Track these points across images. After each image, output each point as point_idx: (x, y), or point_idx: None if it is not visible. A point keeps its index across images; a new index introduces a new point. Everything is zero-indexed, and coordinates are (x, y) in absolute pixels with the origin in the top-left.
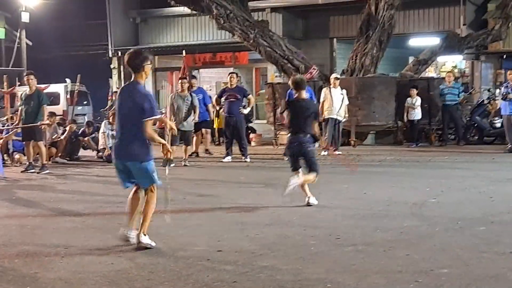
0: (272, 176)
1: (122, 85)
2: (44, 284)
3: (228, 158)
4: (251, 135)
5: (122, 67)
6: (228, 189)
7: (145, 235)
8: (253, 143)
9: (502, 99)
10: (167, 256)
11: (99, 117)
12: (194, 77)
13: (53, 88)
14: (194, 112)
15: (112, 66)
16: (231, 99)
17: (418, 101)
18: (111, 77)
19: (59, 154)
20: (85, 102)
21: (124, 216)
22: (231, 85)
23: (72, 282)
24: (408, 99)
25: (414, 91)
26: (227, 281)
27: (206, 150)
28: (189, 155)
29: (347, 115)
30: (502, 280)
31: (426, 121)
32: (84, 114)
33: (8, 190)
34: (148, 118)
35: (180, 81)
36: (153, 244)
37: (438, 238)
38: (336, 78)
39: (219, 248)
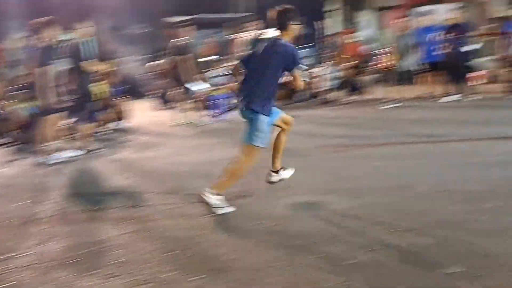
0: (498, 114)
1: (341, 26)
2: (273, 220)
3: (449, 98)
4: (474, 73)
5: (340, 7)
6: (447, 129)
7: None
8: (475, 82)
9: None
10: (390, 196)
11: (320, 59)
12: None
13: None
14: (415, 51)
15: (331, 7)
16: (452, 36)
17: None
18: (325, 18)
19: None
20: (310, 44)
21: (346, 158)
22: (454, 20)
23: (296, 219)
24: None
25: None
26: (452, 221)
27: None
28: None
29: None
30: None
31: None
32: (310, 56)
33: (233, 133)
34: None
35: (401, 19)
36: (228, 210)
37: None
38: None
39: (443, 188)
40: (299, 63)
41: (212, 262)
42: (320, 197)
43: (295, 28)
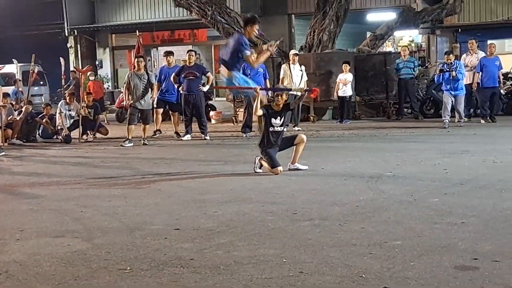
0: (232, 153)
1: (79, 64)
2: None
3: (188, 136)
4: (211, 113)
5: (79, 46)
6: (187, 167)
7: None
8: (213, 121)
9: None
10: (124, 236)
11: (56, 97)
12: (171, 53)
13: (8, 68)
14: (152, 90)
15: (68, 45)
16: (190, 77)
17: (349, 77)
18: (62, 56)
19: (15, 136)
20: (41, 83)
21: (81, 198)
22: (189, 63)
23: (28, 265)
24: (340, 74)
25: (346, 67)
26: (184, 258)
27: (176, 132)
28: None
29: None
30: (453, 249)
31: (384, 96)
32: (41, 95)
33: None
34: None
35: (136, 59)
36: None
37: (392, 211)
38: (295, 54)
39: (177, 226)
40: (245, 48)
41: None
42: (51, 240)
43: (252, 28)
